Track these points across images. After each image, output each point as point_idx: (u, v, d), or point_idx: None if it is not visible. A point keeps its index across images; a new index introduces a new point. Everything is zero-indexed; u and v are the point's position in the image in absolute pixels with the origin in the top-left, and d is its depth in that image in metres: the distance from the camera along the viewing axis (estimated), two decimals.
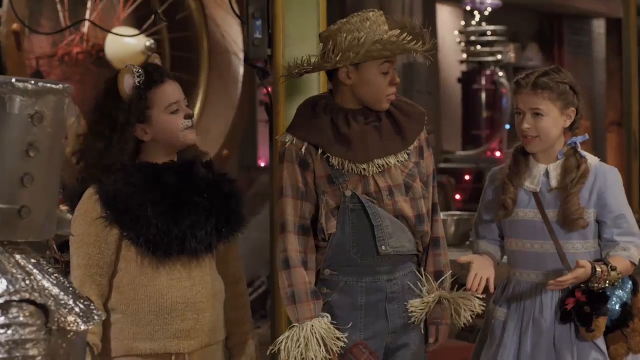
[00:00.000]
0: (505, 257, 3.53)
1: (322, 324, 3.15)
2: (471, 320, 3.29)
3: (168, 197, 2.93)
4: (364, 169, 3.18)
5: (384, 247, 3.19)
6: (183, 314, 2.96)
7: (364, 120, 3.22)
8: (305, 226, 3.23)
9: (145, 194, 2.92)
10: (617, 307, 3.30)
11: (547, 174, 3.37)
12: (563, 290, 3.32)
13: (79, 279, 2.91)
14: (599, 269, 3.20)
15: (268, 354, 3.25)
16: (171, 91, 3.02)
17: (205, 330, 3.02)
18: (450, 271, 3.32)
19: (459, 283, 3.36)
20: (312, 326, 3.14)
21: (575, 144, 3.37)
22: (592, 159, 3.38)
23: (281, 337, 3.19)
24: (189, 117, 3.03)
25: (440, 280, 3.28)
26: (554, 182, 3.35)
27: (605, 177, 3.35)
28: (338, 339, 3.16)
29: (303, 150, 3.21)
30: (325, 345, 3.13)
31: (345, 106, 3.24)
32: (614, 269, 3.22)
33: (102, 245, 2.92)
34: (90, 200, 2.93)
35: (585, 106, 3.34)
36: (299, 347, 3.13)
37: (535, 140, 3.33)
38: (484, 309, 3.33)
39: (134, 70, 2.99)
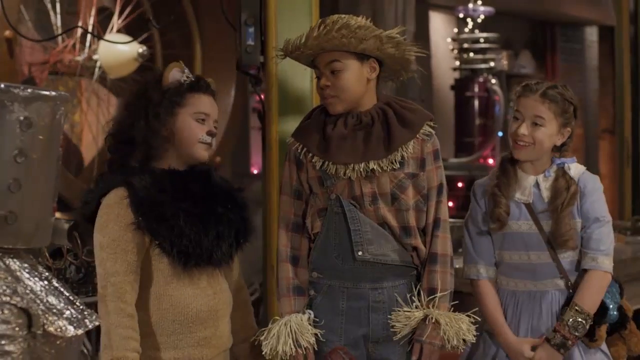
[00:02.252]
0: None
1: (298, 319, 3.18)
2: (461, 346, 3.20)
3: (197, 207, 2.94)
4: (345, 173, 3.18)
5: (360, 253, 3.17)
6: (205, 322, 2.98)
7: (355, 123, 3.21)
8: (299, 223, 3.27)
9: (177, 202, 2.91)
10: (615, 312, 3.34)
11: (537, 185, 3.37)
12: (562, 294, 3.34)
13: (117, 286, 2.83)
14: (555, 337, 3.28)
15: (251, 341, 3.27)
16: (207, 103, 3.08)
17: (222, 337, 3.06)
18: (448, 291, 3.22)
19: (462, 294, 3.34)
20: (289, 320, 3.18)
21: (564, 164, 3.37)
22: (578, 169, 3.39)
23: (263, 329, 3.24)
24: (211, 134, 3.06)
25: (430, 298, 3.21)
26: (545, 195, 3.35)
27: (584, 184, 3.36)
28: (315, 335, 3.18)
29: (298, 150, 3.24)
30: (297, 340, 3.16)
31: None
32: (568, 317, 3.27)
33: (139, 252, 2.88)
34: (121, 204, 2.89)
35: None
36: (271, 337, 3.18)
37: (528, 148, 3.33)
38: (476, 335, 3.25)
39: (185, 69, 3.06)
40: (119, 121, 3.05)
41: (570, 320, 3.26)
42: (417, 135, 3.22)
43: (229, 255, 3.03)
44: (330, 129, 3.21)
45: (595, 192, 3.36)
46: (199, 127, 3.03)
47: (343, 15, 3.20)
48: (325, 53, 3.17)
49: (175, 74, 3.04)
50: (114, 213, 2.87)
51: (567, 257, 3.34)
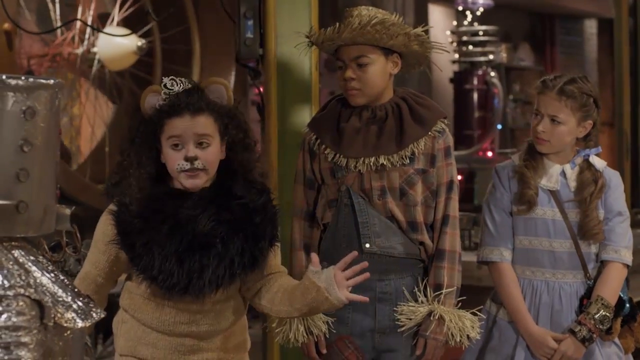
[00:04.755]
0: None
1: None
2: (465, 342, 3.21)
3: (177, 237, 2.73)
4: (355, 166, 3.20)
5: (367, 245, 3.20)
6: (189, 342, 2.85)
7: (369, 117, 3.23)
8: (311, 212, 3.31)
9: (156, 230, 2.74)
10: (628, 305, 3.37)
11: (563, 173, 3.38)
12: (581, 286, 3.37)
13: (84, 273, 2.87)
14: (581, 330, 3.28)
15: (262, 328, 3.27)
16: (178, 124, 2.75)
17: (210, 350, 2.88)
18: (455, 287, 3.22)
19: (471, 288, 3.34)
20: None
21: (589, 156, 3.39)
22: (601, 162, 3.41)
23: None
24: (188, 159, 2.73)
25: (436, 294, 3.22)
26: (572, 185, 3.36)
27: (609, 179, 3.41)
28: (325, 323, 3.21)
29: (312, 139, 3.28)
30: (309, 327, 3.20)
31: None
32: (594, 310, 3.28)
33: (111, 259, 2.84)
34: (108, 220, 2.81)
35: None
36: (284, 325, 3.23)
37: (546, 143, 3.35)
38: (479, 332, 3.25)
39: (162, 92, 2.79)
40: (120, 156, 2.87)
41: (597, 314, 3.27)
42: (430, 132, 3.25)
43: (214, 286, 2.76)
44: (345, 121, 3.24)
45: (619, 187, 3.42)
46: (174, 155, 2.75)
47: (372, 8, 3.23)
48: (354, 46, 3.19)
49: (151, 100, 2.79)
50: (104, 219, 2.85)
51: (591, 249, 3.36)
